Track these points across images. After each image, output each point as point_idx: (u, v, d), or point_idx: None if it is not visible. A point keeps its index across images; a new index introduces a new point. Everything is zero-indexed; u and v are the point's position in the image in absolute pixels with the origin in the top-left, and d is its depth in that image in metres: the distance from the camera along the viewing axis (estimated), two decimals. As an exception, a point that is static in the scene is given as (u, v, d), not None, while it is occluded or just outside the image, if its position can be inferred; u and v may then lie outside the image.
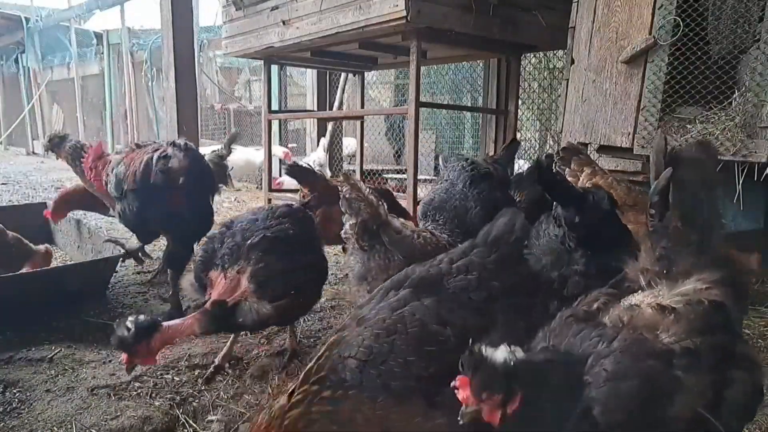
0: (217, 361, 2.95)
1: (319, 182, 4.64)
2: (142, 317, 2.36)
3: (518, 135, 7.15)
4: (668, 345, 1.53)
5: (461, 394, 1.52)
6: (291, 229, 2.85)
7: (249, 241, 2.74)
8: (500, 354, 1.50)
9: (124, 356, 2.35)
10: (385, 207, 2.86)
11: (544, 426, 1.51)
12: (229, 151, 4.25)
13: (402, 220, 2.76)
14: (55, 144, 4.47)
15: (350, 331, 1.89)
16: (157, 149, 3.72)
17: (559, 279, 2.68)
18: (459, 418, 1.53)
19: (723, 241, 1.85)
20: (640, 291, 1.76)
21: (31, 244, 4.05)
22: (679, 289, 1.67)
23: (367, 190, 2.85)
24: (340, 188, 2.86)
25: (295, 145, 11.54)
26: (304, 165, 4.70)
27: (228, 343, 3.03)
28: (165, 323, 2.47)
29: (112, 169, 3.84)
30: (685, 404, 1.47)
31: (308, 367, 1.85)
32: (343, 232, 2.83)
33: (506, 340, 1.57)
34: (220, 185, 4.21)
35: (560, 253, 2.76)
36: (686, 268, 1.71)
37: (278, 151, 8.83)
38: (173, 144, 3.70)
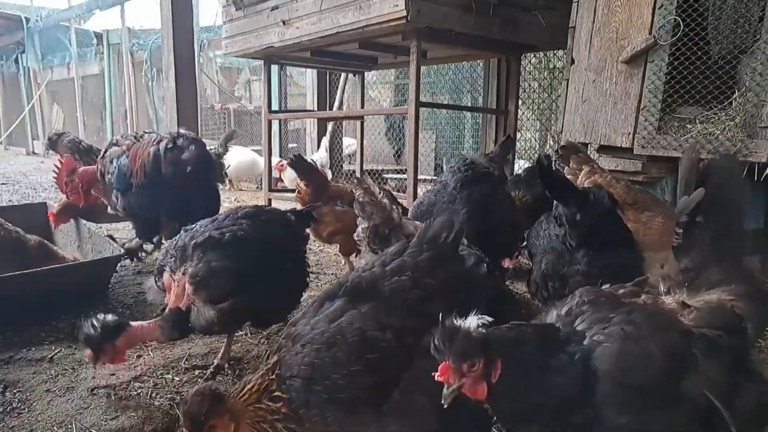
0: (216, 361, 2.94)
1: (319, 179, 4.67)
2: (109, 317, 2.37)
3: (518, 135, 7.14)
4: (688, 325, 1.55)
5: (442, 378, 1.48)
6: (246, 230, 2.71)
7: (194, 241, 2.64)
8: (473, 322, 1.49)
9: (89, 353, 2.36)
10: (400, 211, 2.84)
11: (533, 393, 1.48)
12: (226, 150, 4.25)
13: (417, 223, 2.73)
14: (53, 142, 4.49)
15: (287, 351, 1.85)
16: (161, 140, 3.78)
17: (560, 279, 2.68)
18: (442, 402, 1.49)
19: (750, 258, 1.91)
20: (660, 295, 1.77)
21: (55, 248, 4.07)
22: (702, 297, 1.68)
23: (381, 193, 2.86)
24: (354, 191, 2.88)
25: (295, 145, 11.53)
26: (308, 160, 4.74)
27: (225, 344, 3.02)
28: (133, 324, 2.46)
29: (112, 161, 3.85)
30: (697, 384, 1.45)
31: (249, 390, 1.83)
32: (355, 234, 2.85)
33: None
34: (217, 183, 4.23)
35: (561, 253, 2.75)
36: (713, 280, 1.73)
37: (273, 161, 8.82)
38: (178, 134, 3.81)
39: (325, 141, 9.14)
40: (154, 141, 3.84)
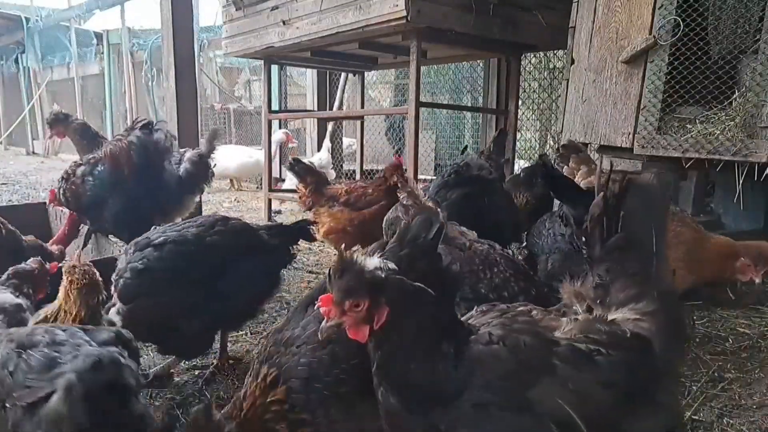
0: (215, 362, 2.94)
1: (318, 180, 4.68)
2: None
3: (518, 135, 7.14)
4: (554, 336, 1.50)
5: (323, 309, 1.43)
6: (184, 236, 2.61)
7: (136, 240, 2.68)
8: (372, 262, 1.43)
9: None
10: (445, 216, 2.80)
11: (411, 359, 1.43)
12: (210, 149, 4.22)
13: (463, 229, 2.66)
14: (60, 119, 4.44)
15: (281, 356, 1.83)
16: (122, 136, 3.89)
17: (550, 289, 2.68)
18: (318, 334, 1.46)
19: (667, 275, 1.80)
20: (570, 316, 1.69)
21: (49, 247, 4.05)
22: (610, 317, 1.60)
23: (426, 197, 2.88)
24: (398, 194, 2.89)
25: (295, 143, 11.53)
26: (307, 162, 4.76)
27: (219, 344, 2.98)
28: None
29: (83, 176, 3.83)
30: (550, 393, 1.40)
31: (249, 405, 1.81)
32: None
33: None
34: (203, 184, 4.23)
35: (568, 253, 2.76)
36: (623, 297, 1.63)
37: (279, 135, 8.76)
38: (129, 129, 4.00)
39: (327, 142, 9.15)
40: (123, 134, 3.97)
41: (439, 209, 2.84)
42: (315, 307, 1.86)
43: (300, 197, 4.74)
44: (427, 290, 1.47)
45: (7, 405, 1.66)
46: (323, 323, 1.46)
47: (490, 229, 3.28)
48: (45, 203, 5.29)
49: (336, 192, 4.58)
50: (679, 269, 3.27)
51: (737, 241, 3.58)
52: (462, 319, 1.66)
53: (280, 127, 9.94)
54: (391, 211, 3.57)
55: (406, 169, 4.77)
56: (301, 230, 2.97)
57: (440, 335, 1.46)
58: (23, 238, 3.81)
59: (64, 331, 1.81)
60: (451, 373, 1.43)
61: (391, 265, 1.47)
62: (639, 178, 1.92)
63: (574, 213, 2.72)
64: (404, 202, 2.85)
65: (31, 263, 2.80)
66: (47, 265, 2.84)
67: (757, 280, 3.36)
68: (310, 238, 3.09)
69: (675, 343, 1.60)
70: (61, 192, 3.89)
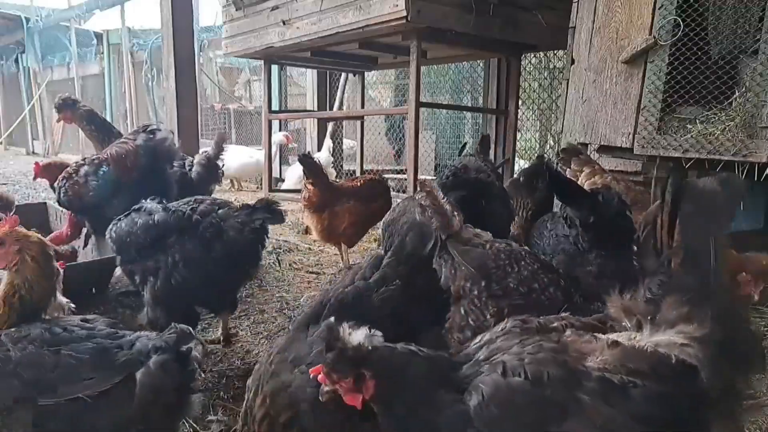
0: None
1: (325, 179, 4.69)
2: None
3: (518, 135, 7.15)
4: (586, 366, 1.37)
5: (317, 375, 1.49)
6: (163, 206, 2.95)
7: None
8: (357, 337, 1.47)
9: None
10: (461, 218, 2.72)
11: (416, 415, 1.43)
12: (218, 151, 4.27)
13: (478, 231, 2.59)
14: (69, 105, 4.43)
15: (286, 376, 1.82)
16: (126, 140, 3.88)
17: (572, 281, 2.67)
18: (320, 396, 1.50)
19: (727, 293, 1.56)
20: (621, 332, 1.57)
21: (56, 248, 4.07)
22: (655, 338, 1.46)
23: (444, 198, 2.76)
24: (416, 196, 2.80)
25: (295, 145, 11.53)
26: (316, 160, 4.75)
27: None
28: None
29: (86, 176, 3.82)
30: (575, 430, 1.31)
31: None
32: None
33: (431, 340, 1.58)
34: (213, 185, 4.26)
35: (573, 255, 2.75)
36: (674, 316, 1.47)
37: (279, 137, 8.90)
38: (136, 131, 3.98)
39: (329, 141, 9.15)
40: (119, 142, 3.96)
41: (456, 213, 2.72)
42: (317, 331, 1.89)
43: (308, 197, 4.54)
44: (416, 353, 1.48)
45: (42, 402, 1.77)
46: (322, 387, 1.51)
47: (489, 230, 3.26)
48: (45, 203, 5.31)
49: (343, 188, 4.62)
50: None
51: (738, 240, 3.57)
52: (475, 344, 1.58)
53: (280, 127, 9.95)
54: (389, 213, 3.55)
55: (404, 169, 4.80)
56: (265, 209, 2.96)
57: (436, 386, 1.45)
58: None
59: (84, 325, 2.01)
60: (456, 418, 1.39)
61: (378, 337, 1.49)
62: (698, 182, 1.74)
63: (579, 215, 2.68)
64: (422, 202, 2.73)
65: None
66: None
67: (756, 297, 3.33)
68: (279, 219, 3.05)
69: (730, 372, 1.41)
70: (63, 191, 3.87)
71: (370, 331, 1.50)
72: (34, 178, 4.61)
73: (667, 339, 1.42)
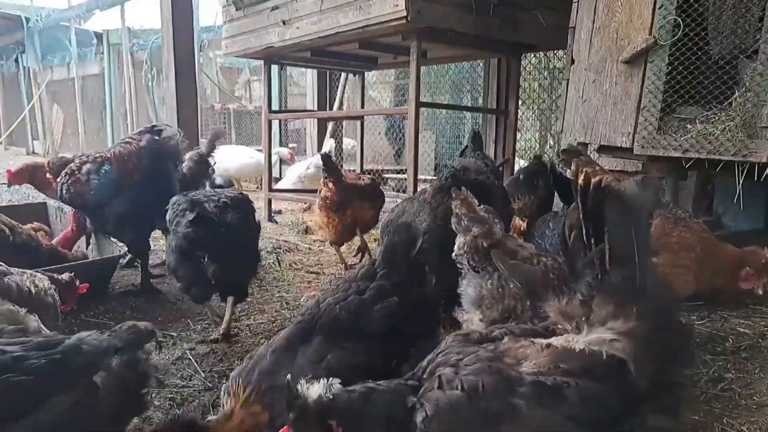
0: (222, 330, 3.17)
1: (343, 179, 4.74)
2: None
3: (518, 135, 7.15)
4: (519, 372, 1.39)
5: None
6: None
7: None
8: (314, 391, 1.47)
9: None
10: (501, 226, 2.68)
11: None
12: (211, 149, 4.28)
13: (520, 241, 2.55)
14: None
15: (275, 397, 1.77)
16: (130, 140, 3.88)
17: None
18: None
19: (658, 287, 1.59)
20: (560, 335, 1.59)
21: (69, 253, 4.14)
22: (589, 337, 1.49)
23: (480, 206, 2.69)
24: (452, 204, 2.69)
25: (295, 145, 11.53)
26: (335, 160, 4.81)
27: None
28: None
29: (88, 174, 3.80)
30: None
31: None
32: (454, 253, 2.64)
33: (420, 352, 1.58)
34: (204, 180, 4.28)
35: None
36: (603, 315, 1.51)
37: (284, 152, 9.24)
38: (142, 132, 3.98)
39: (331, 142, 9.14)
40: (134, 137, 3.96)
41: (497, 219, 2.67)
42: (307, 351, 1.86)
43: (329, 197, 4.53)
44: (374, 389, 1.50)
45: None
46: None
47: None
48: (45, 203, 5.31)
49: (358, 188, 4.72)
50: (683, 275, 3.26)
51: (738, 240, 3.57)
52: (423, 363, 1.60)
53: (280, 127, 9.96)
54: (388, 213, 3.52)
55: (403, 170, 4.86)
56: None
57: (397, 413, 1.45)
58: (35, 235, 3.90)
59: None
60: None
61: (335, 384, 1.48)
62: (618, 185, 1.79)
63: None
64: (457, 211, 2.63)
65: (65, 276, 2.96)
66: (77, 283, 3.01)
67: (760, 291, 3.34)
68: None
69: (658, 364, 1.44)
70: (65, 188, 3.87)
71: (327, 380, 1.48)
72: (9, 186, 4.61)
73: (598, 337, 1.46)
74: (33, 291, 2.51)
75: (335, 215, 4.52)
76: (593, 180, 1.70)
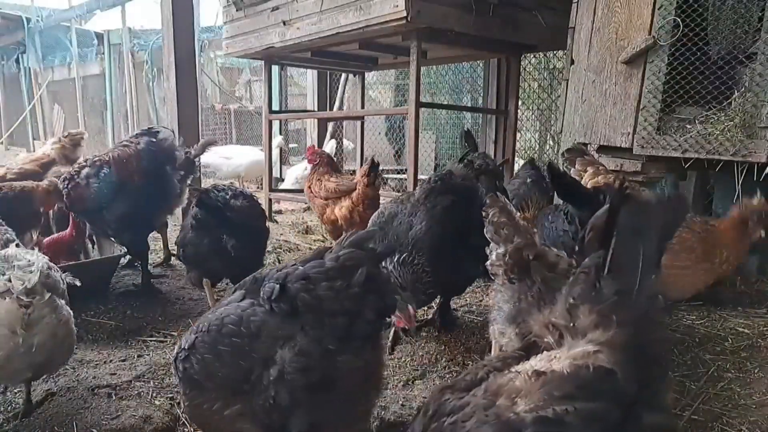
0: None
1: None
2: None
3: (518, 135, 7.15)
4: (519, 413, 1.34)
5: None
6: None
7: None
8: None
9: None
10: (538, 234, 2.56)
11: None
12: (199, 153, 4.34)
13: (555, 251, 2.41)
14: None
15: None
16: (128, 143, 3.91)
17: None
18: None
19: (653, 299, 1.52)
20: (544, 351, 1.55)
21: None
22: (572, 351, 1.44)
23: (518, 214, 2.52)
24: (484, 211, 2.54)
25: (295, 145, 11.53)
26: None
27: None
28: None
29: (87, 178, 3.82)
30: None
31: None
32: (489, 263, 2.50)
33: None
34: (191, 176, 4.30)
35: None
36: (586, 324, 1.46)
37: (279, 141, 9.44)
38: (140, 134, 4.04)
39: (333, 143, 9.15)
40: (121, 145, 4.00)
41: (534, 230, 2.53)
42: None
43: (372, 195, 4.82)
44: None
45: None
46: None
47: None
48: (46, 203, 5.31)
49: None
50: (686, 276, 3.26)
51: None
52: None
53: (280, 128, 9.97)
54: (376, 215, 3.36)
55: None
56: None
57: None
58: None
59: None
60: None
61: None
62: (641, 193, 1.70)
63: (580, 214, 2.75)
64: (495, 219, 2.45)
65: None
66: None
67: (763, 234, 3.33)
68: None
69: (643, 368, 1.41)
70: (65, 193, 3.89)
71: None
72: None
73: (581, 350, 1.43)
74: None
75: (366, 212, 4.69)
76: (616, 184, 1.65)
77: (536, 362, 1.49)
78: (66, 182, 3.88)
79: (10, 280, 2.08)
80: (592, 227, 1.67)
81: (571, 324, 1.49)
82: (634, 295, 1.45)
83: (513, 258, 2.35)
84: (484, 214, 2.53)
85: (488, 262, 2.49)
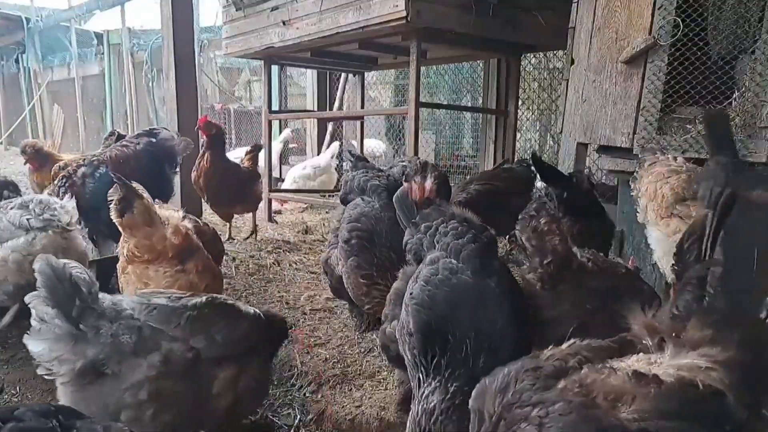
0: None
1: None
2: None
3: (518, 135, 7.15)
4: (622, 420, 1.24)
5: None
6: None
7: None
8: None
9: None
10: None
11: None
12: (183, 151, 4.38)
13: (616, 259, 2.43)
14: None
15: None
16: (128, 143, 3.93)
17: None
18: None
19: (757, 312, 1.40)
20: (641, 353, 1.46)
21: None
22: (677, 361, 1.35)
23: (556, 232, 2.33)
24: (519, 234, 2.37)
25: (295, 145, 11.53)
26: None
27: None
28: None
29: (83, 177, 3.82)
30: None
31: None
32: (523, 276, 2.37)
33: None
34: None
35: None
36: (698, 337, 1.35)
37: (286, 135, 9.47)
38: (140, 135, 4.11)
39: (335, 145, 9.02)
40: (119, 145, 4.03)
41: (575, 250, 2.35)
42: None
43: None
44: None
45: None
46: None
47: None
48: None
49: None
50: None
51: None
52: None
53: (280, 127, 9.96)
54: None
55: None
56: None
57: None
58: None
59: None
60: None
61: None
62: (752, 193, 1.60)
63: (557, 192, 3.38)
64: (528, 244, 2.26)
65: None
66: None
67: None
68: None
69: (754, 395, 1.29)
70: (61, 192, 3.89)
71: None
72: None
73: (690, 362, 1.33)
74: None
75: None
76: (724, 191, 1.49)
77: (634, 362, 1.40)
78: (63, 181, 3.89)
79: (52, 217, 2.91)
80: (692, 232, 1.54)
81: (676, 335, 1.39)
82: (749, 311, 1.35)
83: (556, 268, 2.21)
84: None
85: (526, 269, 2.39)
